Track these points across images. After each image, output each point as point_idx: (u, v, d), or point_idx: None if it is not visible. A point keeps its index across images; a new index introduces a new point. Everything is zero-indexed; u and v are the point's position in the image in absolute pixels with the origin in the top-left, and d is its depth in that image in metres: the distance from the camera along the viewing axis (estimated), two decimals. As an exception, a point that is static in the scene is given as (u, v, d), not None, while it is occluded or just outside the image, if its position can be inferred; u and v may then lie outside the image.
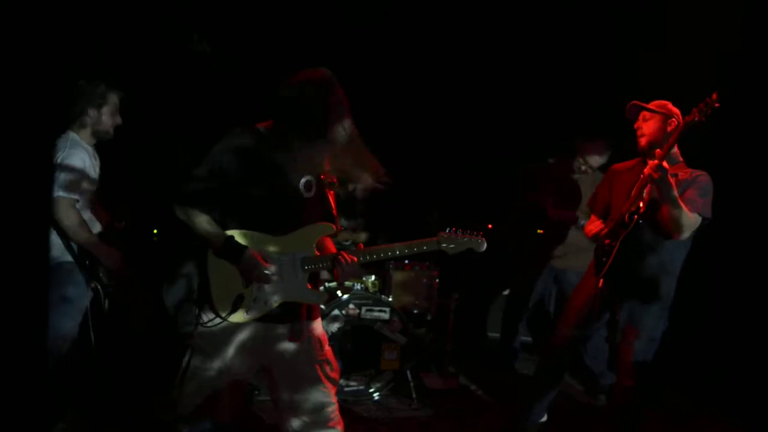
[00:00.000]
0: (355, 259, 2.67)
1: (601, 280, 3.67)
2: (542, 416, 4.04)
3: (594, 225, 3.87)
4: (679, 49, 4.81)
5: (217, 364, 2.63)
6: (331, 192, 2.84)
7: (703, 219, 3.43)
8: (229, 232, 2.61)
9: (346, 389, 4.50)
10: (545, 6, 5.64)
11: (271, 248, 2.64)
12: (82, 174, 3.44)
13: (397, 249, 2.72)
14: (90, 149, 3.57)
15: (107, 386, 3.67)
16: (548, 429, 4.09)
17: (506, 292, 5.89)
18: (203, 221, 2.59)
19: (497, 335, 5.83)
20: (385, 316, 4.60)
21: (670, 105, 3.63)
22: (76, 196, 3.41)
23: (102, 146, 3.68)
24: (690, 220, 3.37)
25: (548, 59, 5.91)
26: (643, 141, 3.61)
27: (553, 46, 5.83)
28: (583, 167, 5.14)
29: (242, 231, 2.62)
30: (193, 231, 2.61)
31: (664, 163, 3.26)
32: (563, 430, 4.23)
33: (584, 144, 5.14)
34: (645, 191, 3.47)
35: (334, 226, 2.76)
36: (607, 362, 4.73)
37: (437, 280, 5.07)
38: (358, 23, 5.44)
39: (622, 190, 3.71)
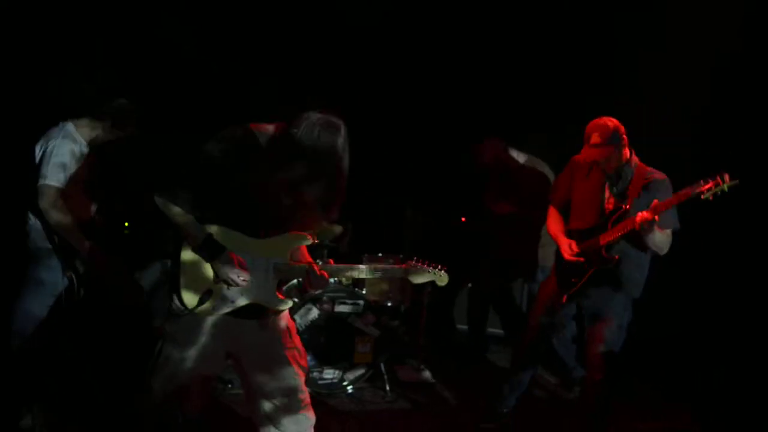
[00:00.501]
0: (326, 274, 2.71)
1: (565, 297, 3.77)
2: (513, 402, 4.09)
3: (556, 224, 3.94)
4: (679, 49, 4.85)
5: (187, 353, 2.63)
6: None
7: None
8: (209, 228, 2.59)
9: (320, 382, 4.50)
10: (544, 6, 5.66)
11: (248, 250, 2.64)
12: (69, 165, 3.52)
13: (366, 270, 2.82)
14: (83, 143, 3.65)
15: (80, 376, 3.67)
16: (522, 422, 4.13)
17: (469, 285, 5.92)
18: (182, 214, 2.57)
19: (465, 327, 5.87)
20: (359, 309, 4.60)
21: (606, 129, 3.60)
22: (61, 185, 3.47)
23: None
24: (669, 238, 3.55)
25: (548, 59, 5.91)
26: (609, 169, 3.68)
27: (552, 45, 5.83)
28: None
29: (220, 228, 2.61)
30: (170, 221, 2.58)
31: (649, 213, 3.35)
32: (536, 423, 4.27)
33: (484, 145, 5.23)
34: (624, 225, 3.53)
35: (310, 237, 2.79)
36: (576, 357, 4.79)
37: (411, 273, 5.07)
38: (359, 23, 5.43)
39: (585, 193, 3.79)
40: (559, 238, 3.84)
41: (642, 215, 3.36)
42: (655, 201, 3.39)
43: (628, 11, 5.27)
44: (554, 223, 3.96)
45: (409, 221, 5.36)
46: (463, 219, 6.11)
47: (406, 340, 5.58)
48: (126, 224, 5.27)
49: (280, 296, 2.74)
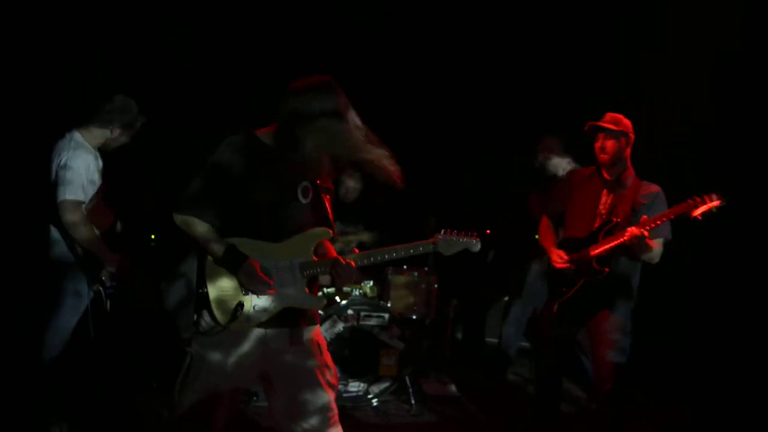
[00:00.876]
0: (353, 263, 2.68)
1: (555, 306, 3.77)
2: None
3: (547, 236, 3.93)
4: (679, 49, 4.84)
5: (216, 369, 2.62)
6: (327, 197, 2.85)
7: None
8: (229, 240, 2.60)
9: (345, 395, 4.49)
10: (545, 6, 5.66)
11: (270, 255, 2.64)
12: (86, 176, 3.49)
13: (394, 251, 2.76)
14: (94, 151, 3.61)
15: (105, 386, 3.69)
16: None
17: (506, 298, 5.88)
18: (202, 229, 2.59)
19: (495, 341, 5.82)
20: (384, 322, 4.59)
21: (623, 119, 3.70)
22: (81, 198, 3.44)
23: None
24: (660, 248, 3.58)
25: (548, 59, 5.92)
26: (605, 158, 3.70)
27: (553, 45, 5.84)
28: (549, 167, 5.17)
29: (241, 239, 2.61)
30: (191, 238, 2.60)
31: (638, 229, 3.37)
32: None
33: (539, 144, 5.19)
34: (614, 238, 3.55)
35: (331, 231, 2.77)
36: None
37: (436, 286, 5.06)
38: (359, 23, 5.45)
39: (580, 206, 3.80)
40: (549, 249, 3.85)
41: (632, 231, 3.40)
42: (644, 216, 3.43)
43: (628, 11, 5.27)
44: (546, 235, 3.96)
45: (434, 233, 5.35)
46: (488, 231, 6.08)
47: (431, 353, 5.55)
48: (152, 236, 5.33)
49: (311, 293, 2.72)
